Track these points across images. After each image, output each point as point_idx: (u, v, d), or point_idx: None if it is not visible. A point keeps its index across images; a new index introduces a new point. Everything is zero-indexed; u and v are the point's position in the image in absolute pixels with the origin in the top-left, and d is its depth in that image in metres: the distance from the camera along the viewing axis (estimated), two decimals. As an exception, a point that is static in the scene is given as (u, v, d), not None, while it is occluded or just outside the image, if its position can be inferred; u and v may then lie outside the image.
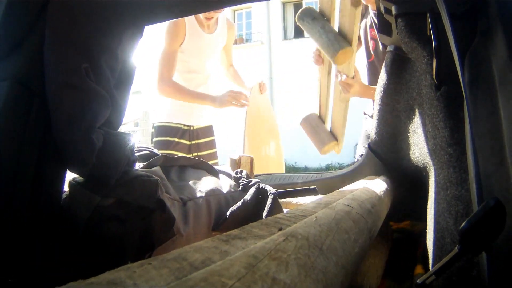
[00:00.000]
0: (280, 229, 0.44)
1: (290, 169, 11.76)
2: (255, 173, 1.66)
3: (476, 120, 0.78)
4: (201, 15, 2.36)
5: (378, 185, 1.16)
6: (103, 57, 0.83)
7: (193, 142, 2.60)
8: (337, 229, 0.51)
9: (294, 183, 1.65)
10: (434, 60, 0.92)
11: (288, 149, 11.58)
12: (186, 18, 2.35)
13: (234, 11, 14.25)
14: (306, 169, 12.03)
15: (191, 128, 2.57)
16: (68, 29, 0.78)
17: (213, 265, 0.30)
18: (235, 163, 1.46)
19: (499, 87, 0.74)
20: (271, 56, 13.42)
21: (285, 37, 13.54)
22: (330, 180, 1.60)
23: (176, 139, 2.51)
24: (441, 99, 0.94)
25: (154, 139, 2.52)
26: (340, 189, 1.02)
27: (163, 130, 2.50)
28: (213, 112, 2.68)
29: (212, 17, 2.39)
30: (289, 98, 12.58)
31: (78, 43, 0.79)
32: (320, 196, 1.01)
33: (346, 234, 0.53)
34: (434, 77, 0.94)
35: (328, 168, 11.57)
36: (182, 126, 2.54)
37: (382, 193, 1.10)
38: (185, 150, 2.54)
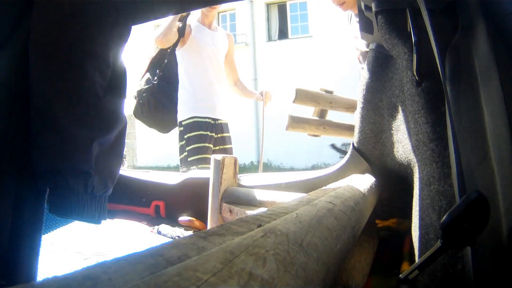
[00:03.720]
0: (260, 226, 0.44)
1: (276, 170, 11.78)
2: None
3: (459, 115, 0.78)
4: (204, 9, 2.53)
5: (362, 183, 1.15)
6: (90, 60, 0.81)
7: (218, 135, 2.74)
8: (318, 226, 0.51)
9: (279, 183, 1.65)
10: (415, 56, 0.92)
11: (274, 150, 11.64)
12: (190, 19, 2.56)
13: (218, 13, 14.23)
14: (292, 170, 12.06)
15: (217, 122, 2.72)
16: (53, 33, 0.77)
17: (188, 260, 0.30)
18: (219, 164, 1.45)
19: (481, 82, 0.74)
20: (255, 58, 13.43)
21: (269, 39, 13.56)
22: (315, 180, 1.60)
23: (209, 133, 2.65)
24: (422, 95, 0.94)
25: (188, 135, 2.63)
26: (323, 187, 1.02)
27: (194, 125, 2.64)
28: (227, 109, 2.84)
29: (215, 8, 2.60)
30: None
31: (64, 48, 0.78)
32: (303, 194, 1.01)
33: (328, 231, 0.52)
34: (415, 73, 0.94)
35: (314, 168, 11.60)
36: (210, 120, 2.68)
37: (366, 191, 1.09)
38: (212, 142, 2.68)
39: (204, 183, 1.59)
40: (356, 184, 1.08)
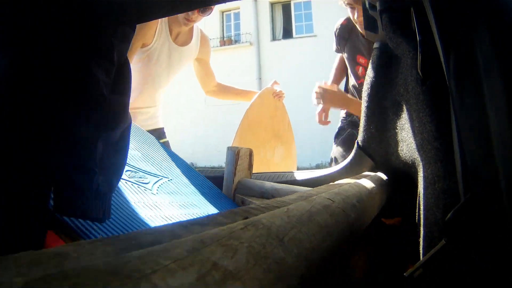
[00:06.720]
0: (246, 218, 0.44)
1: (281, 169, 11.76)
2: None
3: (463, 113, 0.78)
4: (180, 18, 2.22)
5: (370, 181, 1.15)
6: (95, 59, 0.82)
7: None
8: (307, 221, 0.51)
9: (286, 181, 1.65)
10: (419, 54, 0.92)
11: (279, 149, 11.65)
12: (160, 23, 2.25)
13: (223, 12, 14.25)
14: (297, 169, 12.06)
15: None
16: (57, 31, 0.77)
17: (156, 246, 0.30)
18: (234, 155, 1.45)
19: (485, 79, 0.74)
20: (260, 57, 13.44)
21: (274, 38, 13.56)
22: (319, 178, 1.60)
23: None
24: (427, 93, 0.94)
25: None
26: (330, 183, 1.02)
27: None
28: (159, 114, 2.59)
29: (193, 20, 2.24)
30: (279, 98, 12.70)
31: (68, 46, 0.78)
32: (307, 189, 1.01)
33: (318, 228, 0.52)
34: (420, 71, 0.94)
35: (318, 167, 11.59)
36: None
37: (373, 188, 1.09)
38: None
39: (220, 175, 1.59)
40: (363, 182, 1.08)
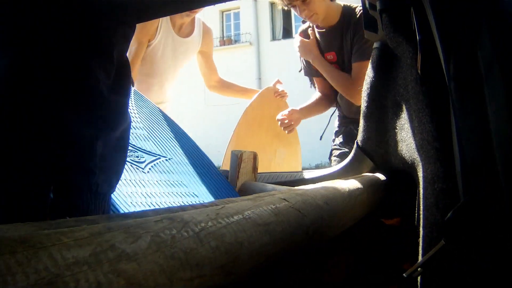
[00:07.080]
0: (173, 213, 0.45)
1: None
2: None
3: (463, 113, 0.78)
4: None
5: (357, 182, 1.14)
6: (95, 59, 0.82)
7: None
8: (241, 219, 0.52)
9: (286, 181, 1.65)
10: (419, 54, 0.92)
11: (279, 149, 11.64)
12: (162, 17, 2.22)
13: (222, 12, 14.24)
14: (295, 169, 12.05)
15: None
16: (57, 31, 0.77)
17: (66, 228, 0.33)
18: (236, 159, 1.45)
19: (485, 80, 0.74)
20: (259, 57, 13.42)
21: (274, 38, 13.54)
22: (320, 179, 1.60)
23: None
24: (427, 93, 0.94)
25: None
26: (303, 186, 1.00)
27: None
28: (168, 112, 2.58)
29: (195, 10, 2.25)
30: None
31: (68, 46, 0.78)
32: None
33: (254, 226, 0.53)
34: (419, 72, 0.94)
35: (318, 167, 11.59)
36: None
37: (358, 189, 1.07)
38: None
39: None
40: (346, 183, 1.07)
